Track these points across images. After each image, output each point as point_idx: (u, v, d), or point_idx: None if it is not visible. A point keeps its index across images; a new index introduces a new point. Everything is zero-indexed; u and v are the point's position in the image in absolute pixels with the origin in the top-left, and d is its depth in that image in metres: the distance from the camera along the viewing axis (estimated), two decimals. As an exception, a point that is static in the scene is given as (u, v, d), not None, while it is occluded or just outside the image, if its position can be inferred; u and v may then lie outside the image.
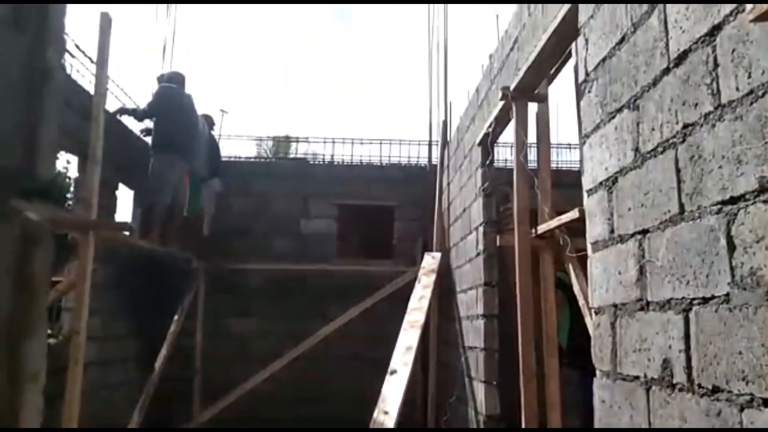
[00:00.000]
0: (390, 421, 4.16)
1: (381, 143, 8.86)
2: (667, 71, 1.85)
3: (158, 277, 6.92)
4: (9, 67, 0.47)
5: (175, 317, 6.53)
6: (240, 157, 8.72)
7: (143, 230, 5.84)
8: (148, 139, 6.46)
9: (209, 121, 7.34)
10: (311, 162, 9.33)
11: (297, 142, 10.88)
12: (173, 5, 7.68)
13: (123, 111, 6.22)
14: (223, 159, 7.76)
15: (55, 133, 0.51)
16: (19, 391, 0.46)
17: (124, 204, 8.39)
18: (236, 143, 15.66)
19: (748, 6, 1.23)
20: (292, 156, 11.12)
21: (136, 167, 6.22)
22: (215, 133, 7.78)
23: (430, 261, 6.35)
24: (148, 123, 6.48)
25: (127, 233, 5.14)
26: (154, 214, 5.87)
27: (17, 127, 0.47)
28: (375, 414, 4.35)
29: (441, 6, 7.56)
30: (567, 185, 5.58)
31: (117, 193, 6.34)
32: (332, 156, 8.83)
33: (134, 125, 6.59)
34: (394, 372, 4.76)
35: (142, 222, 6.09)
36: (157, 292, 6.89)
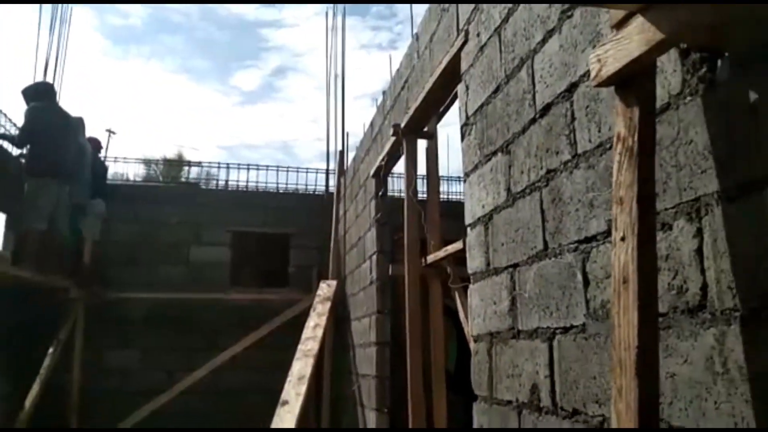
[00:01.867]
0: (280, 454, 4.10)
1: (278, 170, 8.83)
2: (533, 121, 2.05)
3: (31, 308, 6.40)
4: None
5: (50, 350, 6.06)
6: (127, 180, 8.34)
7: (15, 257, 5.41)
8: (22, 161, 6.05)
9: (95, 143, 6.97)
10: (204, 187, 9.10)
11: (189, 165, 10.58)
12: (59, 23, 7.26)
13: (1, 136, 5.80)
14: (109, 181, 7.39)
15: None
16: None
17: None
18: (125, 165, 14.91)
19: (593, 72, 1.42)
20: (183, 179, 10.78)
21: (12, 190, 5.78)
22: (102, 155, 7.40)
23: (326, 289, 6.38)
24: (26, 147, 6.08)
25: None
26: (28, 241, 5.47)
27: None
28: (266, 447, 4.28)
29: (339, 37, 7.74)
30: (456, 216, 5.89)
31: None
32: (227, 181, 8.67)
33: (13, 148, 6.15)
34: (285, 402, 4.71)
35: (16, 248, 5.65)
36: (30, 325, 6.36)
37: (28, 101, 5.87)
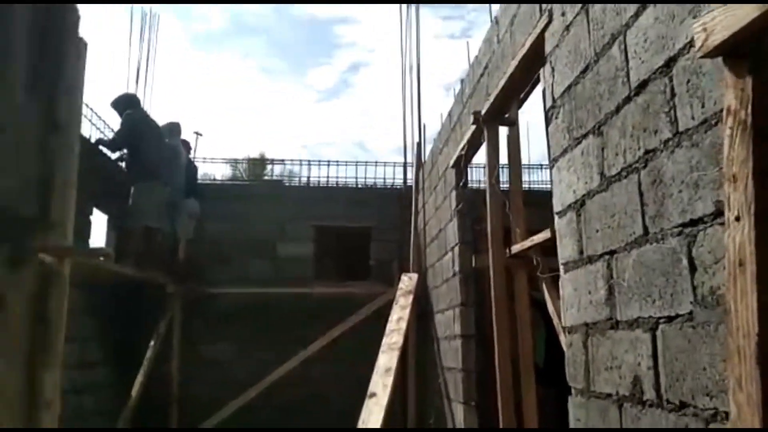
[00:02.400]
0: (370, 444, 4.16)
1: (357, 165, 8.95)
2: (628, 99, 1.96)
3: (134, 303, 6.84)
4: (24, 127, 0.52)
5: (151, 343, 6.44)
6: (216, 180, 8.71)
7: (119, 255, 5.80)
8: (123, 165, 6.45)
9: (186, 145, 7.34)
10: (287, 184, 9.36)
11: (273, 163, 10.91)
12: (148, 31, 7.70)
13: (100, 142, 6.22)
14: (199, 182, 7.75)
15: (68, 182, 0.56)
16: (37, 416, 0.50)
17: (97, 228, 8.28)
18: (211, 166, 15.60)
19: (698, 42, 1.33)
20: (267, 177, 11.13)
21: (112, 192, 6.18)
22: (191, 156, 7.78)
23: (407, 282, 6.40)
24: (121, 152, 6.48)
25: (102, 258, 5.09)
26: (131, 240, 5.83)
27: (32, 179, 0.52)
28: (355, 437, 4.35)
29: (414, 28, 7.72)
30: (539, 205, 5.73)
31: (91, 218, 6.29)
32: (308, 178, 8.88)
33: (111, 154, 6.58)
34: (373, 395, 4.77)
35: (118, 247, 6.05)
36: (133, 318, 6.80)
37: (119, 110, 6.25)
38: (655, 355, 1.76)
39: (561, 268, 2.48)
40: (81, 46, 0.63)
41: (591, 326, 2.16)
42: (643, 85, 1.87)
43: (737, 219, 1.22)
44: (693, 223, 1.61)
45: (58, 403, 0.55)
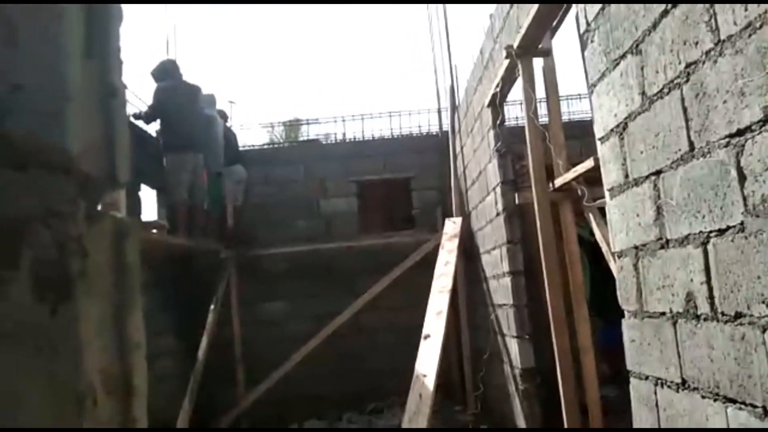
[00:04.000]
0: (429, 383, 4.30)
1: (390, 116, 8.91)
2: (665, 13, 1.88)
3: (190, 271, 7.11)
4: (86, 90, 0.56)
5: (211, 307, 6.72)
6: (253, 145, 8.83)
7: (170, 228, 6.00)
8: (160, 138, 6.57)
9: (222, 114, 7.42)
10: (324, 142, 9.41)
11: (308, 124, 10.94)
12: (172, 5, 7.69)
13: (136, 116, 6.32)
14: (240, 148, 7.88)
15: (126, 144, 0.60)
16: (128, 357, 0.56)
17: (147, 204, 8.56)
18: (247, 132, 15.77)
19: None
20: (304, 138, 11.20)
21: (156, 167, 6.35)
22: (228, 124, 7.88)
23: (452, 226, 6.43)
24: (157, 124, 6.60)
25: (155, 231, 5.29)
26: (177, 212, 6.01)
27: (98, 141, 0.56)
28: (414, 378, 4.49)
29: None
30: (579, 136, 5.63)
31: (140, 194, 6.51)
32: (344, 134, 8.90)
33: (149, 127, 6.71)
34: (428, 337, 4.89)
35: (168, 220, 6.25)
36: (191, 286, 7.09)
37: (157, 80, 6.33)
38: (707, 270, 1.75)
39: (607, 194, 2.45)
40: (120, 11, 0.66)
41: (641, 248, 2.15)
42: (679, -4, 1.79)
43: (786, 121, 1.19)
44: (740, 132, 1.57)
45: (144, 345, 0.60)
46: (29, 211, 0.50)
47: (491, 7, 4.67)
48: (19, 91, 0.52)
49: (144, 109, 6.50)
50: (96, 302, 0.53)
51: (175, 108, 6.09)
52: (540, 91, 3.96)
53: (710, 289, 1.74)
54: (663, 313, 2.02)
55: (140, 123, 6.48)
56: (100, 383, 0.52)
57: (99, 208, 0.56)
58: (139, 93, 7.13)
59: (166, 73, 6.34)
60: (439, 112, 8.08)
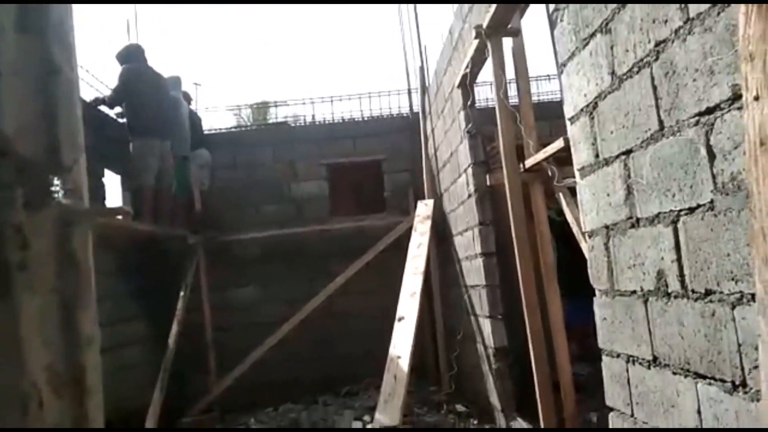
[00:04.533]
0: (404, 365, 4.31)
1: (360, 98, 8.82)
2: (635, -9, 1.87)
3: (158, 258, 6.98)
4: (20, 67, 0.51)
5: (181, 294, 6.62)
6: (220, 129, 8.66)
7: (136, 213, 5.86)
8: (124, 122, 6.39)
9: (186, 96, 7.25)
10: (293, 125, 9.28)
11: (276, 106, 10.77)
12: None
13: (97, 101, 6.12)
14: (205, 131, 7.71)
15: (73, 124, 0.55)
16: (79, 353, 0.52)
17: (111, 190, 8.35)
18: (214, 115, 15.50)
19: None
20: (272, 121, 11.03)
21: (119, 152, 6.18)
22: (192, 107, 7.70)
23: (424, 208, 6.42)
24: (120, 108, 6.42)
25: (120, 217, 5.16)
26: (144, 197, 5.88)
27: (38, 122, 0.51)
28: (388, 361, 4.50)
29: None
30: (548, 117, 5.65)
31: (104, 180, 6.33)
32: (313, 116, 8.78)
33: (110, 111, 6.51)
34: (401, 319, 4.90)
35: (133, 205, 6.11)
36: (159, 272, 6.96)
37: (122, 64, 6.14)
38: (678, 248, 1.76)
39: (577, 174, 2.46)
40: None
41: (611, 227, 2.17)
42: (649, -27, 1.78)
43: (756, 99, 1.18)
44: (709, 111, 1.57)
45: (99, 341, 0.56)
46: (-40, 198, 0.45)
47: (460, -13, 4.62)
48: (-56, 66, 0.47)
49: (108, 93, 6.30)
50: (38, 296, 0.48)
51: (141, 91, 5.94)
52: (510, 72, 3.95)
53: (681, 267, 1.76)
54: (634, 292, 2.04)
55: (102, 108, 6.29)
56: (45, 383, 0.47)
57: (40, 194, 0.51)
58: (101, 78, 6.92)
59: (132, 56, 6.16)
60: (409, 93, 8.03)
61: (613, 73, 2.06)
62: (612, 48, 2.05)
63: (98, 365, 0.56)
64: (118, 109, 6.53)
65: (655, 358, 1.93)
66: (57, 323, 0.51)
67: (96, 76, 6.46)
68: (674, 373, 1.82)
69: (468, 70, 4.46)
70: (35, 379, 0.46)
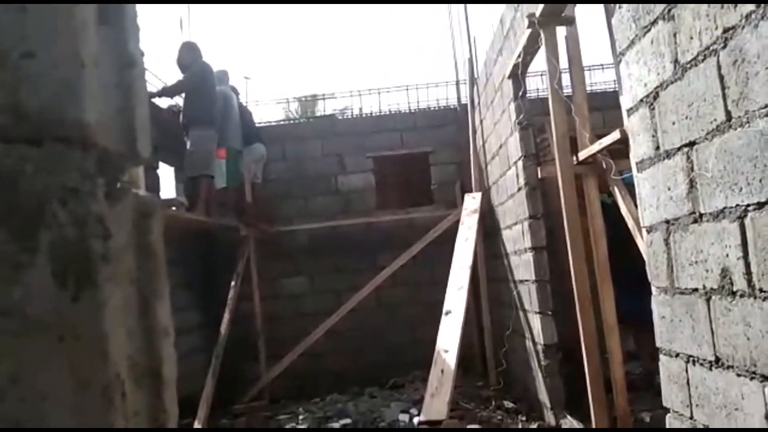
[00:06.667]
0: (451, 359, 4.29)
1: (407, 89, 8.78)
2: (702, -26, 1.79)
3: (210, 248, 7.16)
4: (102, 58, 0.52)
5: (232, 284, 6.77)
6: (269, 122, 8.79)
7: (190, 204, 6.02)
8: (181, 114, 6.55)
9: (235, 92, 7.38)
10: (340, 117, 9.33)
11: (323, 99, 10.87)
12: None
13: (154, 93, 6.28)
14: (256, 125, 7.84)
15: (146, 117, 0.56)
16: (157, 345, 0.53)
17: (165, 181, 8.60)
18: (263, 108, 15.74)
19: None
20: (320, 114, 11.13)
21: (171, 144, 6.35)
22: (241, 99, 7.83)
23: (471, 202, 6.36)
24: (177, 99, 6.58)
25: (175, 209, 5.30)
26: (200, 187, 6.01)
27: (117, 114, 0.53)
28: (435, 354, 4.49)
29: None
30: (601, 108, 5.50)
31: (158, 171, 6.52)
32: (361, 109, 8.80)
33: (161, 102, 6.68)
34: (449, 312, 4.87)
35: (188, 197, 6.27)
36: (211, 262, 7.14)
37: (186, 58, 6.26)
38: (744, 245, 1.68)
39: (635, 167, 2.38)
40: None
41: (672, 222, 2.09)
42: (718, -44, 1.70)
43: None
44: (783, 100, 1.49)
45: (173, 332, 0.57)
46: (46, 189, 0.46)
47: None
48: (30, 58, 0.49)
49: (166, 84, 6.48)
50: (120, 287, 0.50)
51: (204, 85, 6.10)
52: (563, 62, 3.85)
53: (747, 265, 1.68)
54: (695, 290, 1.96)
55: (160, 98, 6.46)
56: (127, 374, 0.49)
57: (119, 185, 0.53)
58: (152, 70, 7.12)
59: (195, 52, 6.31)
60: (458, 84, 7.95)
61: (676, 61, 1.97)
62: (675, 35, 1.97)
63: (173, 356, 0.57)
64: (171, 102, 6.71)
65: (717, 359, 1.86)
66: (137, 315, 0.53)
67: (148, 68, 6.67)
68: (739, 375, 1.74)
69: (519, 60, 4.38)
70: (119, 370, 0.48)
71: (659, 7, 2.04)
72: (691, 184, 1.94)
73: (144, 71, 0.60)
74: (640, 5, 2.18)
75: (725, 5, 1.69)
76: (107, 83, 0.53)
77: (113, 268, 0.47)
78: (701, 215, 1.90)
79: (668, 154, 2.07)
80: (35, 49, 0.48)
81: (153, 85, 6.98)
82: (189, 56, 6.27)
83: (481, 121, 6.47)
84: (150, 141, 0.59)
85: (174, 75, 6.52)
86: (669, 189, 2.09)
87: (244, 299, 6.92)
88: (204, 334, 6.73)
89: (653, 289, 2.31)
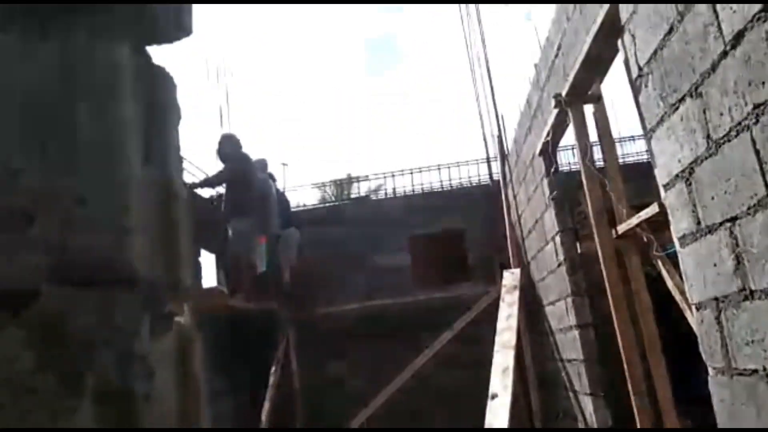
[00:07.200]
0: (500, 447, 4.09)
1: (439, 168, 8.92)
2: (724, 54, 1.81)
3: (250, 333, 7.16)
4: (147, 196, 0.55)
5: (272, 369, 6.70)
6: (306, 205, 8.98)
7: (231, 290, 6.09)
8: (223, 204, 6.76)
9: (271, 177, 7.62)
10: (374, 198, 9.48)
11: (358, 181, 11.09)
12: (223, 77, 8.06)
13: (198, 185, 6.53)
14: (292, 209, 8.02)
15: (189, 246, 0.59)
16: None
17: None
18: (300, 193, 16.13)
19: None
20: (355, 195, 11.33)
21: (210, 231, 6.52)
22: (279, 185, 8.06)
23: (510, 278, 6.27)
24: (219, 189, 6.82)
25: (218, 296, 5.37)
26: (242, 274, 6.10)
27: (162, 247, 0.55)
28: (482, 441, 4.29)
29: (474, 20, 7.61)
30: (634, 178, 5.45)
31: (199, 259, 6.67)
32: (394, 189, 8.94)
33: (203, 192, 6.93)
34: (495, 396, 4.69)
35: (228, 282, 6.35)
36: (251, 346, 7.12)
37: (228, 150, 6.53)
38: (803, 323, 1.60)
39: (677, 242, 2.33)
40: (179, 109, 0.66)
41: (722, 300, 2.01)
42: (739, 36, 1.72)
43: None
44: (824, 174, 1.46)
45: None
46: (93, 331, 0.48)
47: (534, 58, 4.67)
48: (82, 204, 0.52)
49: (207, 176, 6.74)
50: (158, 422, 0.50)
51: (243, 176, 6.31)
52: (593, 135, 3.88)
53: (808, 345, 1.59)
54: (755, 371, 1.86)
55: (198, 190, 6.70)
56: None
57: (163, 317, 0.54)
58: (192, 161, 7.46)
59: (235, 143, 6.57)
60: (488, 161, 8.06)
61: (708, 137, 1.97)
62: (705, 112, 1.97)
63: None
64: (212, 192, 6.95)
65: (788, 448, 1.73)
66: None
67: (189, 159, 6.98)
68: (814, 466, 1.61)
69: (549, 138, 4.42)
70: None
71: (686, 85, 2.06)
72: (738, 260, 1.88)
73: (185, 203, 0.62)
74: (666, 84, 2.20)
75: (753, 83, 1.70)
76: (152, 216, 0.55)
77: (156, 409, 0.48)
78: (752, 292, 1.83)
79: (710, 230, 2.03)
80: (86, 196, 0.51)
81: (194, 175, 7.28)
82: (229, 147, 6.53)
83: (515, 197, 6.48)
84: (192, 269, 0.61)
85: (214, 165, 6.77)
86: (715, 265, 2.02)
87: (284, 385, 6.82)
88: (242, 420, 6.60)
89: (710, 369, 2.19)
